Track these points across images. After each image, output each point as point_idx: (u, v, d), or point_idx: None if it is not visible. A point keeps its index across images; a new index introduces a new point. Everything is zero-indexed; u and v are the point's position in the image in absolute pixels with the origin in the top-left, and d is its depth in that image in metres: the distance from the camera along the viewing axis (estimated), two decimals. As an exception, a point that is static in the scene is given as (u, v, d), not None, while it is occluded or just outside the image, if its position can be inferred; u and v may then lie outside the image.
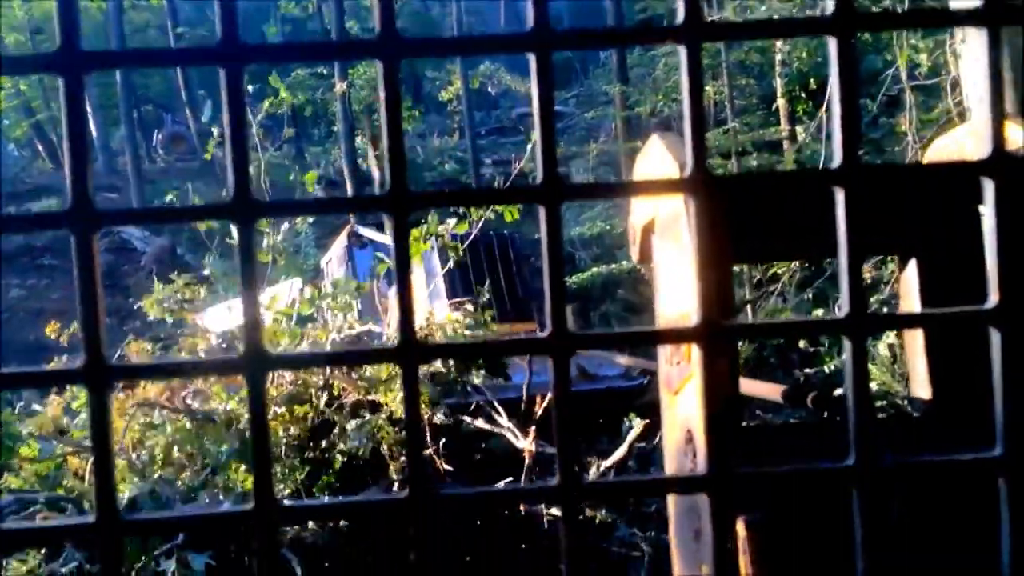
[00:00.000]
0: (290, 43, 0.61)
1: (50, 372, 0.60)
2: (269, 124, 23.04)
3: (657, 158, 2.62)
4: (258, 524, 0.57)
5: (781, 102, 15.56)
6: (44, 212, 0.58)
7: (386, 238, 10.84)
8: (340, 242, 13.37)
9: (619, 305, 14.51)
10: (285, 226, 11.15)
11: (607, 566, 6.65)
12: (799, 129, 13.69)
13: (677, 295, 2.54)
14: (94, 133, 27.56)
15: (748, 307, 11.62)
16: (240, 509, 0.57)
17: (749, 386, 4.28)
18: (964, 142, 2.50)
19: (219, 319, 12.29)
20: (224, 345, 10.71)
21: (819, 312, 11.23)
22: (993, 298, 0.57)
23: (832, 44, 0.57)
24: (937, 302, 2.41)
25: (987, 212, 0.57)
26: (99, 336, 0.55)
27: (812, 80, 13.80)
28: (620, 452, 7.05)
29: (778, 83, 15.34)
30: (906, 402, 3.34)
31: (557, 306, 0.56)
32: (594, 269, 14.55)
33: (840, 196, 0.56)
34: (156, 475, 6.50)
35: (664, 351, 2.68)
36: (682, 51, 0.56)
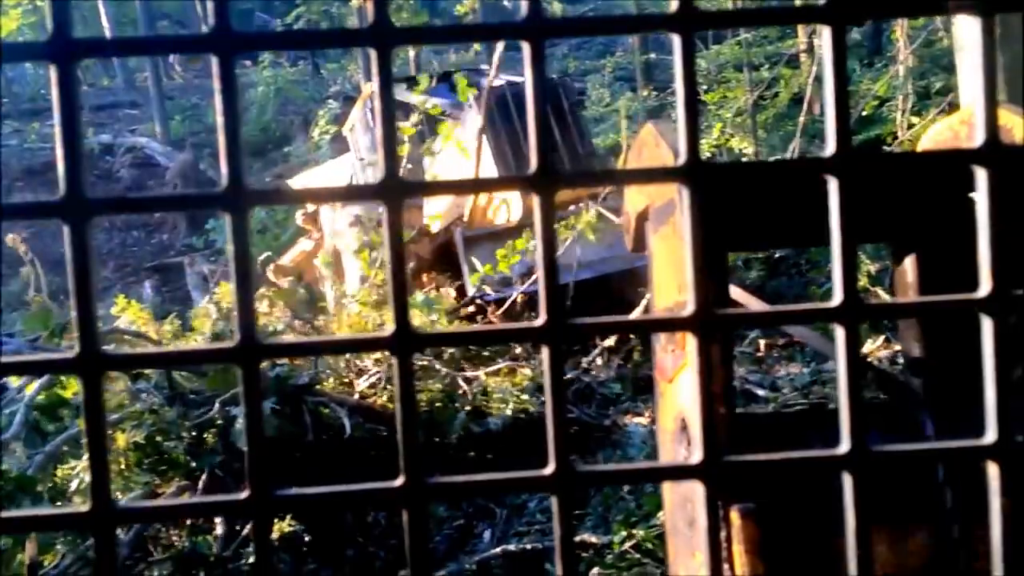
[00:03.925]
0: (284, 32, 0.61)
1: (45, 361, 0.60)
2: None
3: (651, 146, 2.62)
4: (253, 513, 0.57)
5: (799, 11, 15.27)
6: (38, 202, 0.58)
7: (409, 96, 10.31)
8: (359, 108, 12.78)
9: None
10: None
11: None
12: (817, 42, 13.36)
13: (672, 283, 2.54)
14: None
15: None
16: (234, 498, 0.57)
17: (800, 333, 4.17)
18: (959, 130, 2.50)
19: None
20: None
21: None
22: (985, 286, 0.57)
23: (826, 33, 0.57)
24: (934, 289, 2.41)
25: (980, 200, 0.57)
26: (93, 326, 0.55)
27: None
28: (611, 340, 7.71)
29: (796, -9, 15.00)
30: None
31: (551, 294, 0.56)
32: (608, 180, 14.53)
33: (833, 184, 0.57)
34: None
35: (658, 339, 2.68)
36: (675, 39, 0.56)
